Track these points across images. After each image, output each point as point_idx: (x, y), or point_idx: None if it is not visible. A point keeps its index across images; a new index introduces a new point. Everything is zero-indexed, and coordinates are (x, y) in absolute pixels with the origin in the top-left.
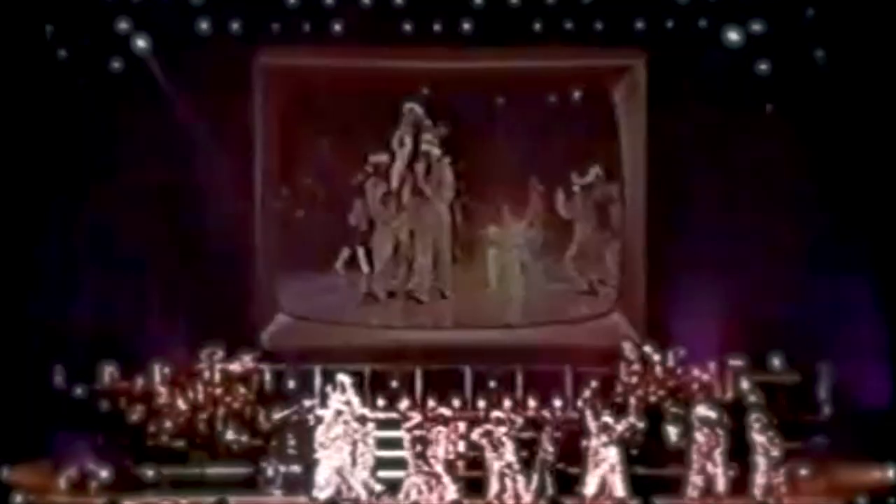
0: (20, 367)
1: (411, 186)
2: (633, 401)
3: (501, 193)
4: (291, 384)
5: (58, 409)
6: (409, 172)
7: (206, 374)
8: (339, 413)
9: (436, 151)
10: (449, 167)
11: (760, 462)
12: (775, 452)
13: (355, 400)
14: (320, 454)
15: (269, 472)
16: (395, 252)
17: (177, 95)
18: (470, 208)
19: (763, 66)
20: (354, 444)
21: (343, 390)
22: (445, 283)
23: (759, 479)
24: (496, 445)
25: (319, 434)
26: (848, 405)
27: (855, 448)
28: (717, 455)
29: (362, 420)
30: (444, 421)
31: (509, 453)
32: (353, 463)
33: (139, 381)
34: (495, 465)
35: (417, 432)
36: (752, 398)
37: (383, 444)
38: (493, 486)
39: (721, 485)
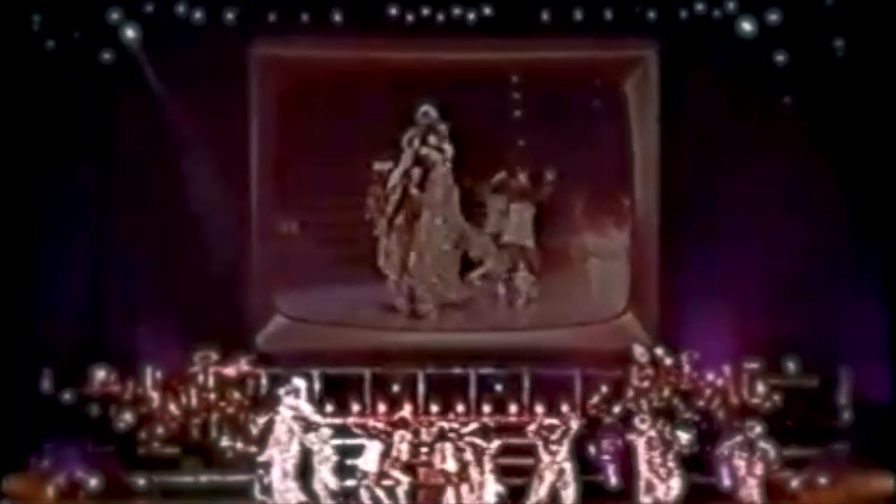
0: (6, 371)
1: (402, 192)
2: (645, 405)
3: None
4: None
5: (45, 414)
6: (407, 179)
7: (200, 378)
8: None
9: (435, 156)
10: (450, 172)
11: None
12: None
13: (306, 407)
14: (267, 458)
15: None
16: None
17: (169, 89)
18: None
19: (780, 58)
20: (307, 452)
21: (296, 395)
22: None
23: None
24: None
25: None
26: (867, 410)
27: (873, 455)
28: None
29: (313, 427)
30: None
31: (563, 459)
32: (305, 471)
33: (130, 386)
34: (546, 474)
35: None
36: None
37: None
38: (540, 492)
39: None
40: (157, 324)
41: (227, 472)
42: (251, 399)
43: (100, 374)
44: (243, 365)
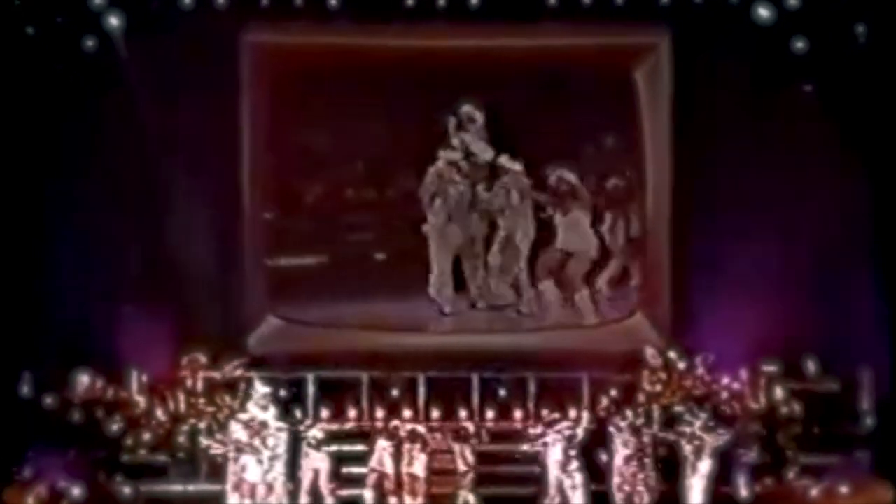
0: None
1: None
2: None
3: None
4: (282, 393)
5: (26, 420)
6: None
7: (189, 382)
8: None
9: (454, 156)
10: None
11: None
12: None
13: (261, 413)
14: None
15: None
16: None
17: (157, 78)
18: None
19: (799, 44)
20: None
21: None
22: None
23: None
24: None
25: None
26: (889, 415)
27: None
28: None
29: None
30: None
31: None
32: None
33: (115, 390)
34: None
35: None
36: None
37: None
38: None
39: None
40: (144, 325)
41: (217, 481)
42: (242, 404)
43: (84, 377)
44: (234, 368)
